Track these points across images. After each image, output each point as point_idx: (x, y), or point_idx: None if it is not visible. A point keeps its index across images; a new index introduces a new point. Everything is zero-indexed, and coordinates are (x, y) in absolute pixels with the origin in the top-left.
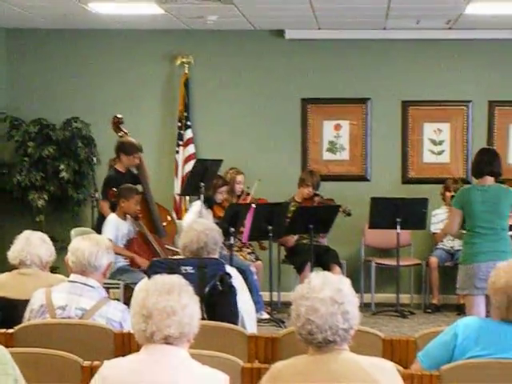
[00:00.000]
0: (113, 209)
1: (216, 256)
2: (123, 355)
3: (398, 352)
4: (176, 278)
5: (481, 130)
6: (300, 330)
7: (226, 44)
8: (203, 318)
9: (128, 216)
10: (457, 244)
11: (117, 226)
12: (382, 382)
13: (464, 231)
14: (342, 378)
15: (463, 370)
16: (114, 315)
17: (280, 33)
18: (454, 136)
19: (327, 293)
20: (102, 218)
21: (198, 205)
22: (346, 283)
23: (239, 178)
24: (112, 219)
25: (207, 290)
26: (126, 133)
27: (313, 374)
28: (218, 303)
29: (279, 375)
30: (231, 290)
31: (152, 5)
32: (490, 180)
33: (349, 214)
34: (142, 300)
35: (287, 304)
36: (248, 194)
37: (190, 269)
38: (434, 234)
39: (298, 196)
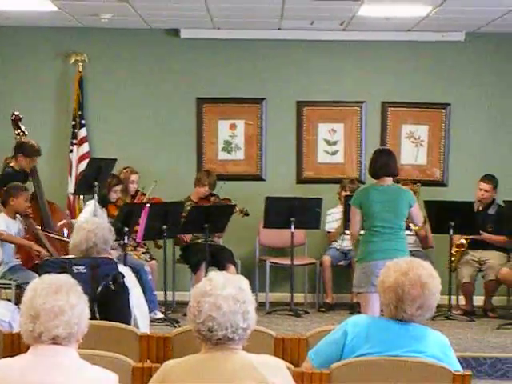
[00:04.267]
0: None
1: (110, 255)
2: (12, 356)
3: (289, 350)
4: (64, 278)
5: (374, 130)
6: (200, 326)
7: (120, 43)
8: (95, 318)
9: (18, 216)
10: (350, 243)
11: (6, 225)
12: (273, 380)
13: (362, 231)
14: (233, 377)
15: (353, 367)
16: (4, 315)
17: (175, 32)
18: (348, 136)
19: (230, 291)
20: None
21: (91, 204)
22: (245, 283)
23: (133, 177)
24: (0, 219)
25: (99, 289)
26: (23, 132)
27: (205, 372)
28: (110, 303)
29: (170, 373)
30: (124, 290)
31: (45, 1)
32: (387, 180)
33: (246, 214)
34: (30, 300)
35: (182, 304)
36: (144, 194)
37: (82, 268)
38: (328, 233)
39: (194, 196)
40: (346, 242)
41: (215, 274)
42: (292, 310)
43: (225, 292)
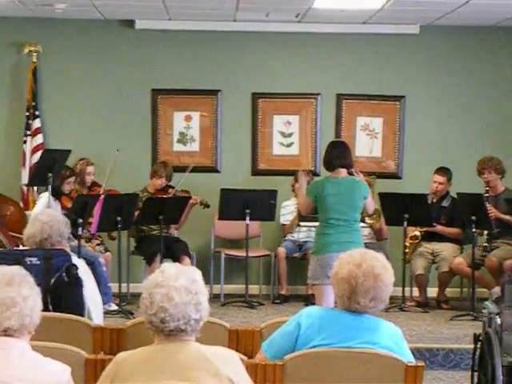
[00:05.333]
0: None
1: (64, 247)
2: None
3: (243, 342)
4: (16, 269)
5: (329, 122)
6: (152, 317)
7: (75, 33)
8: (48, 310)
9: None
10: (304, 235)
11: None
12: (226, 372)
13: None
14: (186, 368)
15: (306, 359)
16: None
17: (130, 23)
18: (303, 128)
19: (182, 282)
20: None
21: (45, 196)
22: (198, 274)
23: (90, 168)
24: None
25: (53, 281)
26: None
27: (158, 363)
28: (63, 295)
29: (123, 364)
30: (78, 282)
31: None
32: (342, 172)
33: (207, 206)
34: None
35: (136, 295)
36: (99, 186)
37: (35, 260)
38: (283, 225)
39: (151, 187)
40: (301, 234)
41: (167, 266)
42: (247, 301)
43: (177, 283)
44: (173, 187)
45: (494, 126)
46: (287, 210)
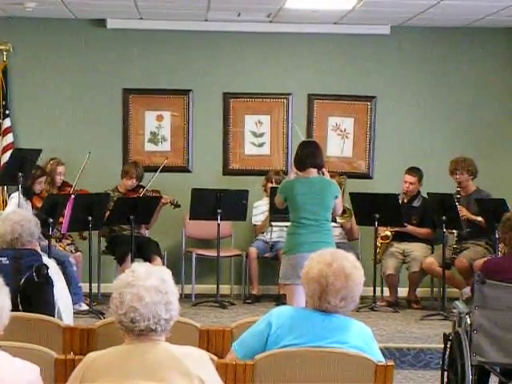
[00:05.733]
0: None
1: (34, 247)
2: None
3: (214, 342)
4: None
5: (300, 122)
6: (122, 317)
7: (46, 32)
8: (18, 310)
9: None
10: (275, 235)
11: None
12: (196, 372)
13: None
14: (155, 368)
15: (277, 358)
16: None
17: (101, 22)
18: (274, 128)
19: (152, 282)
20: None
21: (16, 196)
22: (168, 274)
23: (60, 168)
24: None
25: (23, 281)
26: None
27: (127, 363)
28: (33, 295)
29: (92, 364)
30: (48, 282)
31: None
32: (312, 172)
33: (177, 206)
34: None
35: (107, 295)
36: (70, 186)
37: (4, 260)
38: (254, 225)
39: (122, 187)
40: (272, 234)
41: (137, 266)
42: (218, 301)
43: (147, 283)
44: (143, 187)
45: (466, 126)
46: (259, 211)
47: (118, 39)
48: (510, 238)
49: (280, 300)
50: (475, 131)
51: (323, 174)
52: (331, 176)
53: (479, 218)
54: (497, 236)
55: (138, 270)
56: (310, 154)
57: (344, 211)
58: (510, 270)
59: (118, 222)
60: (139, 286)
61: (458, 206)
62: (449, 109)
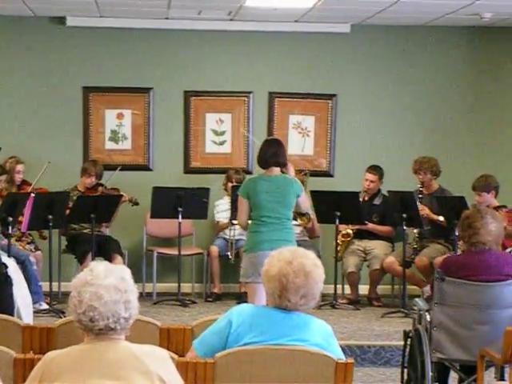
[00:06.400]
0: None
1: None
2: None
3: (174, 340)
4: None
5: (261, 120)
6: (81, 316)
7: (4, 30)
8: None
9: None
10: (237, 234)
11: None
12: (156, 370)
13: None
14: (115, 367)
15: (237, 356)
16: None
17: (61, 20)
18: (235, 126)
19: (111, 280)
20: None
21: None
22: (127, 272)
23: (19, 167)
24: None
25: None
26: None
27: (86, 362)
28: None
29: (51, 363)
30: (7, 281)
31: None
32: (275, 170)
33: (136, 204)
34: None
35: (68, 294)
36: (30, 184)
37: None
38: (217, 223)
39: (81, 186)
40: (234, 232)
41: (96, 264)
42: (179, 300)
43: (106, 282)
44: (103, 185)
45: (426, 123)
46: (220, 209)
47: (77, 37)
48: (469, 235)
49: (241, 298)
50: (435, 129)
51: (287, 170)
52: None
53: (441, 218)
54: (456, 233)
55: (97, 268)
56: (273, 153)
57: (303, 214)
58: (469, 267)
59: (79, 221)
60: (98, 284)
61: (420, 205)
62: (409, 106)
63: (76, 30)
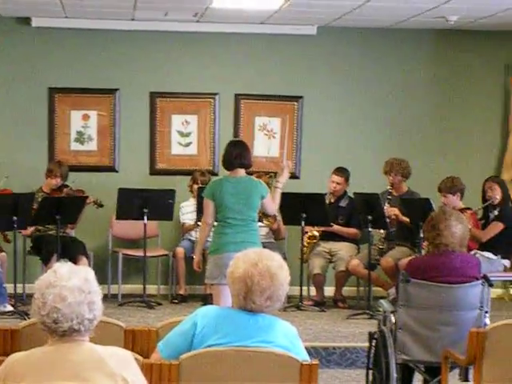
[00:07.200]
0: None
1: None
2: None
3: (139, 342)
4: None
5: (227, 122)
6: (45, 318)
7: None
8: None
9: None
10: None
11: None
12: (120, 372)
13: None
14: (79, 369)
15: (202, 358)
16: None
17: (26, 20)
18: (201, 128)
19: (75, 282)
20: None
21: None
22: (91, 273)
23: None
24: None
25: None
26: None
27: (50, 364)
28: None
29: (15, 365)
30: None
31: None
32: (240, 172)
33: (101, 206)
34: None
35: (32, 296)
36: None
37: None
38: (183, 224)
39: (46, 187)
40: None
41: (60, 266)
42: (145, 301)
43: (70, 283)
44: (67, 186)
45: (392, 125)
46: (186, 210)
47: (43, 38)
48: (434, 236)
49: (207, 300)
50: (401, 131)
51: (283, 174)
52: (258, 176)
53: (405, 219)
54: (421, 235)
55: (61, 270)
56: (238, 154)
57: (269, 215)
58: (434, 268)
59: (44, 222)
60: (62, 286)
61: (387, 206)
62: (375, 109)
63: (42, 31)
